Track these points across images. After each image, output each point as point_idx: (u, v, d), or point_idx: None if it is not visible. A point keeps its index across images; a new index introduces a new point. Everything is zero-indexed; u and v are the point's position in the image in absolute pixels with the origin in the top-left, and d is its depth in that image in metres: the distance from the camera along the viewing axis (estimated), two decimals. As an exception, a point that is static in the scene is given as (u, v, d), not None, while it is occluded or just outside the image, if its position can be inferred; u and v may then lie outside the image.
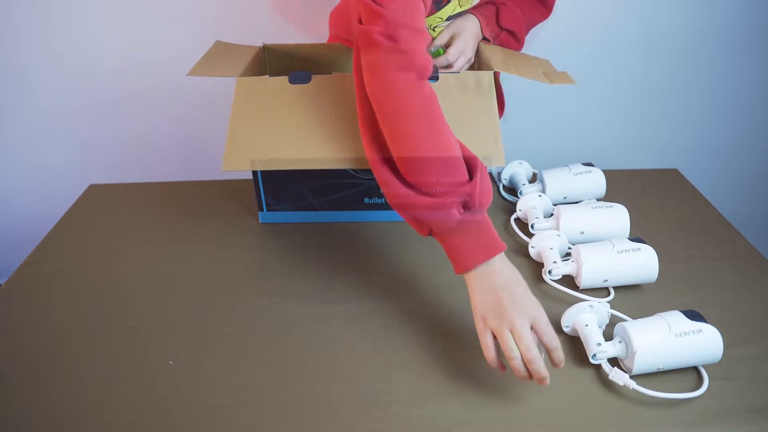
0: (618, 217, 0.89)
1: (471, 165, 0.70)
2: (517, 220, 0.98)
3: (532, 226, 0.93)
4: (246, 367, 0.72)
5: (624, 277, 0.82)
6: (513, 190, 1.08)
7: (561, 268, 0.82)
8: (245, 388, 0.69)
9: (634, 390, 0.66)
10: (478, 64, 1.04)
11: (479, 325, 0.66)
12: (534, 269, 0.88)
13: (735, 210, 1.48)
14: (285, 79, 0.88)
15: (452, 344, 0.75)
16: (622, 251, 0.80)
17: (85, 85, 1.59)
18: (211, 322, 0.80)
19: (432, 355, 0.73)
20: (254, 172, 0.96)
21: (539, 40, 1.34)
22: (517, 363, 0.63)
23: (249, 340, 0.76)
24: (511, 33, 1.05)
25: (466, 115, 0.86)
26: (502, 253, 0.68)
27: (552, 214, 0.94)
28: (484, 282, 0.67)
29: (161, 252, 0.94)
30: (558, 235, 0.87)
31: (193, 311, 0.81)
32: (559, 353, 0.64)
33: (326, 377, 0.71)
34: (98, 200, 1.10)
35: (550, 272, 0.82)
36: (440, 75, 0.88)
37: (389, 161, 0.72)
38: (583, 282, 0.81)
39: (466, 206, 0.68)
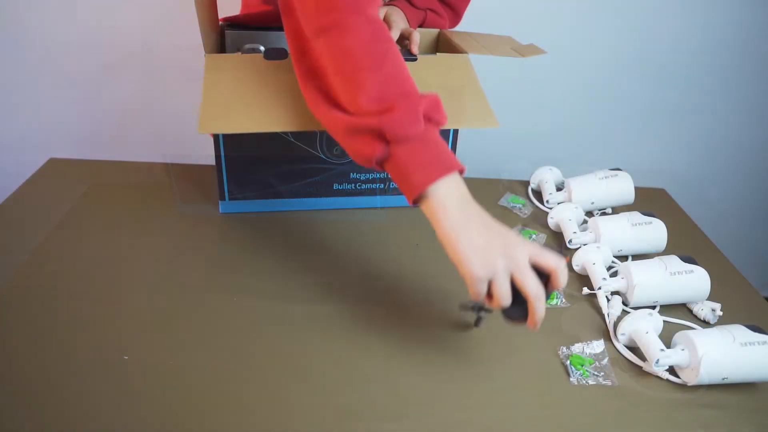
0: (657, 233, 0.92)
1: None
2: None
3: (569, 242, 0.94)
4: (209, 368, 0.66)
5: (674, 298, 0.83)
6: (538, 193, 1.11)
7: (611, 285, 0.82)
8: (207, 393, 0.63)
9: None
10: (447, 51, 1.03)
11: (477, 272, 0.58)
12: (579, 283, 0.88)
13: (721, 234, 1.51)
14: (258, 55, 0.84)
15: (436, 352, 0.72)
16: (674, 273, 0.81)
17: (50, 56, 1.50)
18: (173, 316, 0.73)
19: (414, 364, 0.70)
20: (217, 157, 0.91)
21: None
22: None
23: (214, 340, 0.70)
24: (433, 11, 1.05)
25: (452, 90, 0.86)
26: (461, 177, 0.63)
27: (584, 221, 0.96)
28: (458, 209, 0.61)
29: (119, 238, 0.87)
30: (598, 247, 0.88)
31: (154, 303, 0.75)
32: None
33: (297, 385, 0.65)
34: (57, 175, 1.01)
35: (599, 288, 0.83)
36: (420, 57, 0.88)
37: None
38: (634, 301, 0.81)
39: (428, 117, 0.64)
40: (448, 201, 0.61)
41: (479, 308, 0.72)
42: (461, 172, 0.63)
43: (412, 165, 0.62)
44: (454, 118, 0.86)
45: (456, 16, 1.12)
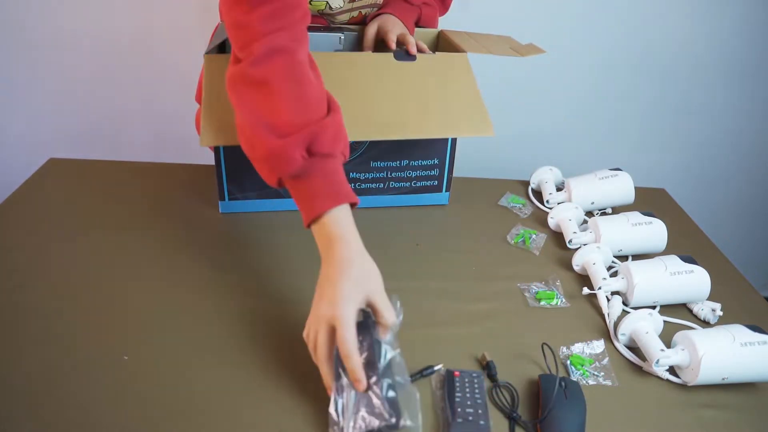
0: (657, 233, 0.92)
1: (330, 105, 0.69)
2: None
3: (569, 242, 0.94)
4: (209, 368, 0.66)
5: (674, 298, 0.83)
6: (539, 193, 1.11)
7: (611, 285, 0.82)
8: (207, 392, 0.63)
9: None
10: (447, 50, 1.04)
11: (313, 310, 0.63)
12: (580, 282, 0.88)
13: (721, 234, 1.50)
14: None
15: (437, 352, 0.71)
16: (674, 273, 0.81)
17: (50, 56, 1.51)
18: (173, 316, 0.73)
19: (414, 364, 0.68)
20: (217, 158, 0.90)
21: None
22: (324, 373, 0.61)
23: (213, 340, 0.70)
24: (426, 4, 1.07)
25: (450, 93, 0.88)
26: (349, 209, 0.66)
27: (584, 221, 0.95)
28: (334, 244, 0.64)
29: (119, 237, 0.87)
30: (598, 247, 0.88)
31: (154, 303, 0.75)
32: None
33: (298, 384, 0.65)
34: (57, 175, 1.01)
35: (599, 288, 0.83)
36: (419, 57, 0.89)
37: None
38: (634, 301, 0.81)
39: (310, 151, 0.66)
40: (331, 242, 0.65)
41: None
42: (353, 204, 0.67)
43: (302, 196, 0.67)
44: (451, 126, 0.88)
45: (443, 6, 1.12)
